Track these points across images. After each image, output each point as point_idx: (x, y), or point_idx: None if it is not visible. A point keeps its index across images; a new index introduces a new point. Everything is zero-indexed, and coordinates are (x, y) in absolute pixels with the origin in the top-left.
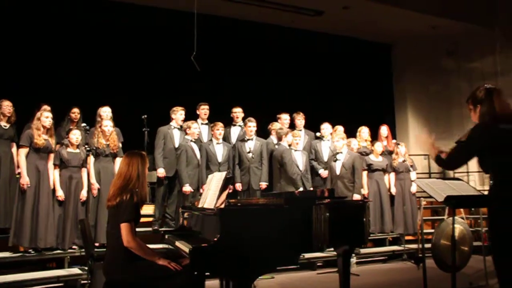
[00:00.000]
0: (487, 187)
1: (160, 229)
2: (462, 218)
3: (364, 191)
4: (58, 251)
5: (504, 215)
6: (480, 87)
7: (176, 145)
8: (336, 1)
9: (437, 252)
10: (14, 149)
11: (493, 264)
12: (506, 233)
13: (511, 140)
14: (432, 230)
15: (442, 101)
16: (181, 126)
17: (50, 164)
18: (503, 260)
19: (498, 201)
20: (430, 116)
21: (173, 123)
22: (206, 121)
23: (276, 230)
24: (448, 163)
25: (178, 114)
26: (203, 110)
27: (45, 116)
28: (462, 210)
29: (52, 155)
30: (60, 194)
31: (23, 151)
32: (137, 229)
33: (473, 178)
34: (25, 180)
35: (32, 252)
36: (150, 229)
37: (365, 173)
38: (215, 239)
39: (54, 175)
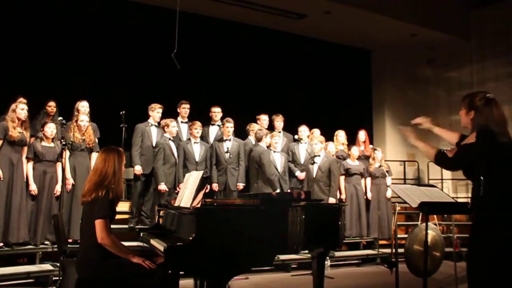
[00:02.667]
0: (460, 194)
1: (136, 226)
2: (435, 224)
3: (342, 195)
4: (30, 247)
5: (489, 223)
6: (480, 94)
7: (154, 143)
8: (318, 5)
9: (410, 257)
10: None
11: (464, 269)
12: (490, 240)
13: (506, 151)
14: (406, 235)
15: (419, 108)
16: (159, 124)
17: (24, 157)
18: (479, 267)
19: (485, 211)
20: (407, 123)
21: (150, 120)
22: (186, 120)
23: (252, 231)
24: (454, 162)
25: (155, 111)
26: (184, 109)
27: (21, 108)
28: (435, 216)
29: (26, 148)
30: (33, 188)
31: None
32: (112, 226)
33: (446, 185)
34: None
35: (3, 247)
36: (125, 226)
37: (342, 177)
38: (190, 238)
39: (27, 169)
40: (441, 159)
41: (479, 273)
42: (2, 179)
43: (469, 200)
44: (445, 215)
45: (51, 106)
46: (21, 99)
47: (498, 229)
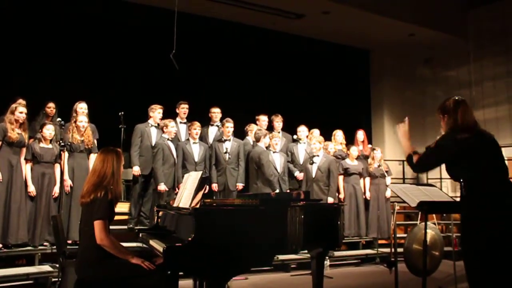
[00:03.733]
0: (459, 194)
1: (135, 227)
2: (434, 223)
3: (341, 194)
4: (29, 248)
5: (473, 222)
6: (450, 98)
7: (153, 143)
8: (316, 5)
9: (409, 257)
10: None
11: (463, 268)
12: (475, 238)
13: (470, 149)
14: (405, 235)
15: (418, 108)
16: (159, 124)
17: (23, 158)
18: (473, 264)
19: (468, 208)
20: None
21: (150, 121)
22: (185, 120)
23: (251, 231)
24: (417, 166)
25: (156, 112)
26: (183, 109)
27: (19, 111)
28: (434, 215)
29: (24, 150)
30: (31, 189)
31: None
32: (112, 227)
33: (445, 185)
34: None
35: (2, 248)
36: (124, 227)
37: (341, 177)
38: (190, 238)
39: (26, 170)
40: (409, 161)
41: (473, 271)
42: (1, 180)
43: None
44: (444, 215)
45: (51, 108)
46: (20, 101)
47: (480, 227)
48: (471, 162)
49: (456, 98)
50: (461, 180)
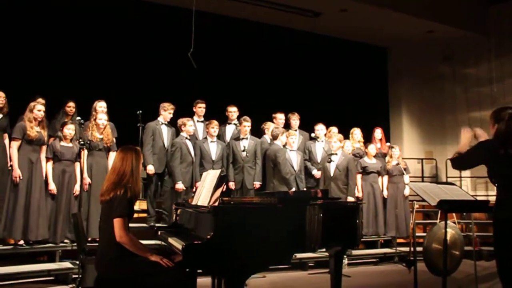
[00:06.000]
0: (479, 192)
1: (155, 225)
2: (454, 222)
3: (359, 193)
4: (50, 245)
5: (506, 224)
6: (509, 110)
7: (165, 142)
8: (334, 3)
9: (429, 256)
10: (6, 141)
11: (484, 268)
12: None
13: (500, 163)
14: (424, 234)
15: (436, 106)
16: (169, 123)
17: (43, 156)
18: (506, 264)
19: (502, 210)
20: (424, 121)
21: (160, 119)
22: (202, 119)
23: (270, 229)
24: (457, 162)
25: (167, 111)
26: (200, 108)
27: (38, 109)
28: (454, 214)
29: (44, 147)
30: (52, 187)
31: (16, 144)
32: (131, 225)
33: (465, 183)
34: (17, 173)
35: (24, 245)
36: (144, 224)
37: (359, 176)
38: (208, 236)
39: (47, 168)
40: (453, 158)
41: (507, 270)
42: (21, 178)
43: (488, 198)
44: (464, 214)
45: (70, 107)
46: (40, 99)
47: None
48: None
49: (510, 111)
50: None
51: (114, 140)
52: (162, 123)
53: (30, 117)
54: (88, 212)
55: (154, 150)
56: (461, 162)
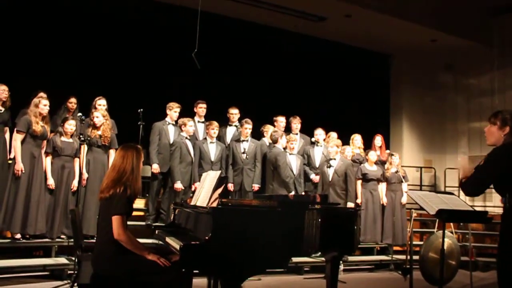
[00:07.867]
0: (477, 203)
1: (153, 224)
2: (451, 232)
3: (358, 199)
4: (46, 240)
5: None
6: (508, 110)
7: (171, 141)
8: (339, 8)
9: (425, 265)
10: (7, 135)
11: (480, 279)
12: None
13: None
14: (420, 242)
15: (437, 115)
16: (176, 122)
17: (43, 151)
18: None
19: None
20: (424, 129)
21: (167, 119)
22: (203, 119)
23: (268, 232)
24: (470, 184)
25: (173, 111)
26: (201, 109)
27: (44, 104)
28: (451, 224)
29: (45, 142)
30: (51, 182)
31: (19, 137)
32: (129, 223)
33: (463, 193)
34: (19, 166)
35: (21, 239)
36: (141, 223)
37: (359, 182)
38: (207, 237)
39: (45, 163)
40: (462, 185)
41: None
42: (23, 171)
43: (486, 209)
44: (461, 223)
45: (72, 103)
46: (42, 94)
47: None
48: None
49: None
50: (507, 194)
51: (115, 137)
52: (169, 123)
53: (36, 112)
54: (83, 208)
55: (159, 149)
56: (475, 182)
